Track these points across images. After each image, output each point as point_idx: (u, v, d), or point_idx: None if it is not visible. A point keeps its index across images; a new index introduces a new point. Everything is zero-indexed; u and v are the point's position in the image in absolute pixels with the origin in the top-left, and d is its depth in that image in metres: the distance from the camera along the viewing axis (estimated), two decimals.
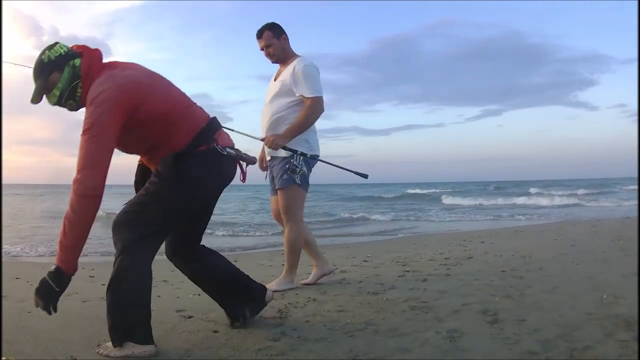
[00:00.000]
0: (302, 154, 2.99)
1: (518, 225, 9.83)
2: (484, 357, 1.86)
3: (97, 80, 1.78)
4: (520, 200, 21.55)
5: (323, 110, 3.05)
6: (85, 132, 1.71)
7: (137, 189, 2.06)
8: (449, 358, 1.86)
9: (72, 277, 1.75)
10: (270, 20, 3.18)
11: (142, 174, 2.08)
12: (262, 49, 3.18)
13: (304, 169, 3.06)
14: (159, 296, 2.99)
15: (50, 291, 1.71)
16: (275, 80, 3.20)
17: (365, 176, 3.22)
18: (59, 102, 1.84)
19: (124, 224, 1.89)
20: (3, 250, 6.42)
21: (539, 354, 1.85)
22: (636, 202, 16.53)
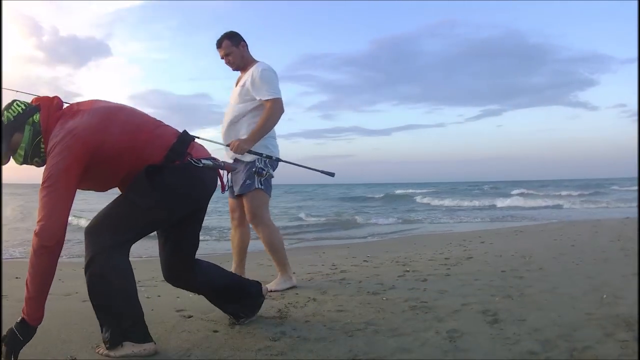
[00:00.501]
0: (268, 156, 3.07)
1: (516, 226, 9.84)
2: (484, 357, 1.86)
3: (52, 133, 1.78)
4: (504, 201, 20.68)
5: (283, 111, 3.14)
6: (42, 184, 1.71)
7: None
8: (449, 358, 1.86)
9: (38, 327, 1.76)
10: (229, 30, 3.26)
11: None
12: (222, 58, 3.28)
13: (271, 171, 3.16)
14: (159, 296, 2.99)
15: (15, 340, 1.72)
16: (236, 86, 3.30)
17: (331, 174, 3.24)
18: (25, 162, 1.86)
19: (96, 230, 1.87)
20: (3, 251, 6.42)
21: (539, 354, 1.85)
22: (629, 204, 16.54)
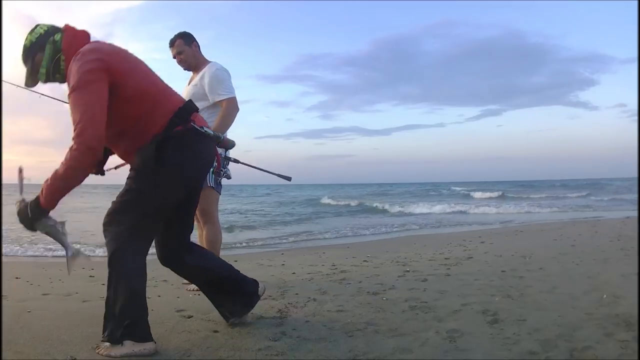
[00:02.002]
0: (227, 157, 3.08)
1: (517, 226, 9.84)
2: (484, 357, 1.86)
3: (83, 48, 1.82)
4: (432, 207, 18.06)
5: (238, 109, 3.18)
6: (72, 89, 1.72)
7: None
8: (449, 358, 1.86)
9: (46, 211, 1.78)
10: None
11: None
12: (174, 57, 3.31)
13: (229, 172, 3.20)
14: (159, 296, 2.99)
15: (25, 218, 1.80)
16: (188, 85, 3.32)
17: (288, 179, 3.22)
18: (48, 79, 1.90)
19: (111, 224, 1.89)
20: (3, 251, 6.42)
21: (539, 354, 1.85)
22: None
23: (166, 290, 3.21)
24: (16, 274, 3.98)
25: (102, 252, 6.44)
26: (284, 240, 8.61)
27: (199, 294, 3.04)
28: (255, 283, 2.31)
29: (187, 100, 2.00)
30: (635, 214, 9.90)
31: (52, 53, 1.86)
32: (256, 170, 3.11)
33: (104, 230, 1.90)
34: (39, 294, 3.08)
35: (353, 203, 22.08)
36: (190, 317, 2.41)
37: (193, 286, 3.12)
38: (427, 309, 2.55)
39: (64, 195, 1.77)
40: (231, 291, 2.24)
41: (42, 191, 1.75)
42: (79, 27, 1.95)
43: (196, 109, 2.00)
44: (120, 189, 1.94)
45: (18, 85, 2.09)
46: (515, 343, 1.98)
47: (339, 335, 2.11)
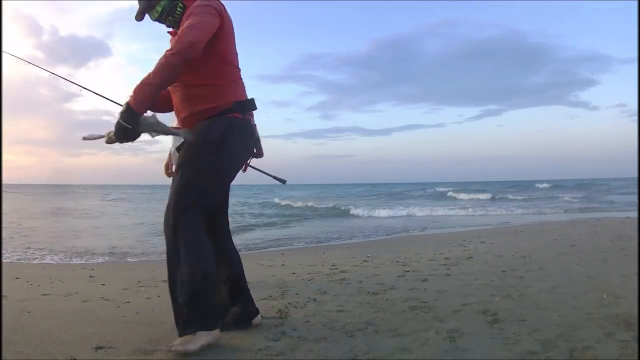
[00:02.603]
0: None
1: (516, 226, 9.84)
2: (484, 357, 1.86)
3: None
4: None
5: None
6: (194, 10, 1.86)
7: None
8: (449, 358, 1.85)
9: (140, 116, 1.79)
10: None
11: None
12: None
13: None
14: (159, 296, 2.99)
15: (123, 129, 1.78)
16: None
17: (283, 181, 3.11)
18: (159, 18, 2.01)
19: (174, 205, 1.92)
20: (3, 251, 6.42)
21: (539, 354, 1.85)
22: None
23: (166, 291, 3.20)
24: (16, 274, 3.99)
25: (98, 253, 6.45)
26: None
27: None
28: (256, 310, 2.26)
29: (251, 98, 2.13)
30: (636, 214, 9.90)
31: None
32: (252, 170, 3.08)
33: (168, 211, 1.93)
34: (39, 294, 3.08)
35: (298, 204, 21.19)
36: None
37: None
38: (427, 309, 2.55)
39: (152, 94, 1.80)
40: (240, 298, 2.23)
41: (132, 96, 1.78)
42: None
43: (256, 109, 2.13)
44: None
45: (21, 59, 2.12)
46: (515, 343, 1.98)
47: (339, 335, 2.11)
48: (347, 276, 3.69)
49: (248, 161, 2.28)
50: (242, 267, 2.27)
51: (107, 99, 2.46)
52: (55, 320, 2.21)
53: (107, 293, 3.10)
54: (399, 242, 7.40)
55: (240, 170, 2.19)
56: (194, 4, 1.94)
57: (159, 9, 1.99)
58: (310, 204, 21.37)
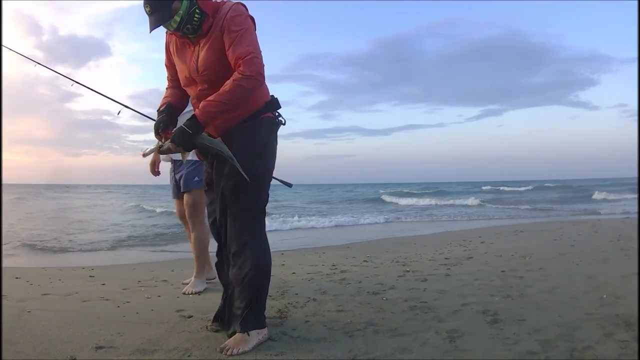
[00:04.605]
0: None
1: (516, 226, 9.84)
2: (484, 357, 1.86)
3: (234, 3, 1.99)
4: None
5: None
6: (246, 27, 1.92)
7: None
8: (449, 358, 1.86)
9: (203, 127, 1.89)
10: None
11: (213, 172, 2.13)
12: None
13: None
14: (159, 296, 2.99)
15: (184, 134, 1.88)
16: None
17: (289, 185, 3.12)
18: (178, 28, 1.98)
19: (242, 212, 2.00)
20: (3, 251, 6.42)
21: (539, 354, 1.85)
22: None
23: (166, 290, 3.21)
24: (16, 274, 3.98)
25: (98, 253, 6.43)
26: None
27: (198, 294, 3.04)
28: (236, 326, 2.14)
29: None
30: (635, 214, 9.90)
31: (189, 5, 1.95)
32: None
33: (231, 222, 2.01)
34: (39, 294, 3.08)
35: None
36: (190, 317, 2.41)
37: (191, 287, 3.14)
38: (427, 309, 2.55)
39: (222, 113, 1.88)
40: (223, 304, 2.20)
41: (200, 110, 1.86)
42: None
43: (280, 107, 2.16)
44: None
45: (21, 54, 2.12)
46: (515, 343, 1.98)
47: (339, 335, 2.11)
48: (347, 276, 3.69)
49: None
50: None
51: (118, 102, 2.46)
52: (55, 320, 2.21)
53: (107, 293, 3.10)
54: (399, 242, 7.40)
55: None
56: (235, 16, 1.94)
57: (178, 19, 1.94)
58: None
